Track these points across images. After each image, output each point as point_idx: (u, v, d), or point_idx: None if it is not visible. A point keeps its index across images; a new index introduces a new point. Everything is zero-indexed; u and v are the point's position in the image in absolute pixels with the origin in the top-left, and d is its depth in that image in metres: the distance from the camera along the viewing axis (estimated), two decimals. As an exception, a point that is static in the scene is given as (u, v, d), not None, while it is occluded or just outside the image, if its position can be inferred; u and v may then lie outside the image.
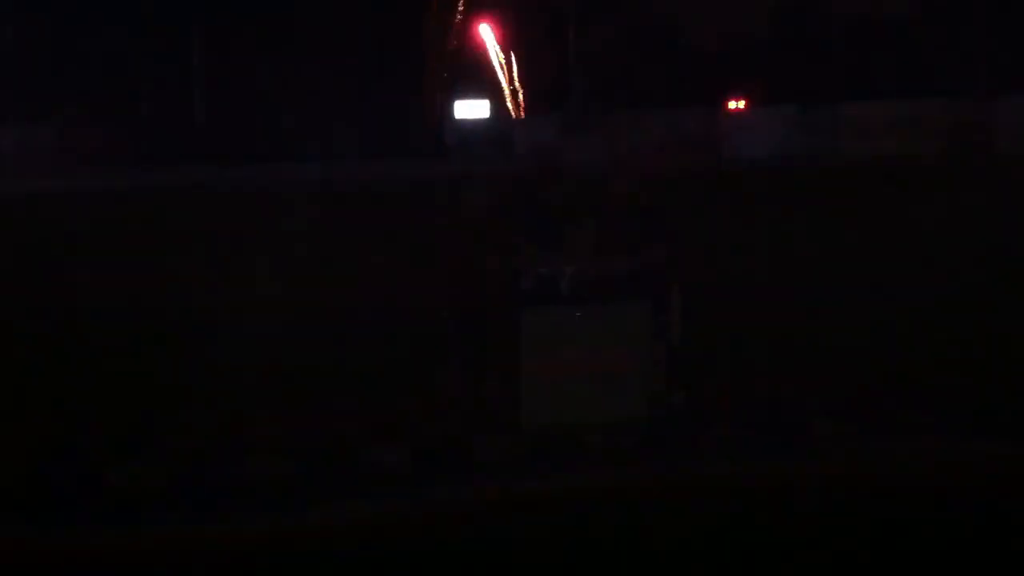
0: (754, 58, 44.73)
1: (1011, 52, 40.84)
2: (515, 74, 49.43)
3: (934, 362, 11.10)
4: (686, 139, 38.91)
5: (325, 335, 12.35)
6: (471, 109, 49.50)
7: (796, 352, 11.56)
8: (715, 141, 39.37)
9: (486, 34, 49.28)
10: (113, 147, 41.87)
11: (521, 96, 49.37)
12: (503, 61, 49.92)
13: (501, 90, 49.65)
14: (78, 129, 42.39)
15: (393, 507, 8.51)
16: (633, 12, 45.89)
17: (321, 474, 9.00)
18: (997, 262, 15.75)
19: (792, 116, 40.16)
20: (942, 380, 10.57)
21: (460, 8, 47.30)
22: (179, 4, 45.03)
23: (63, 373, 11.78)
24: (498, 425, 9.66)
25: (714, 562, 7.21)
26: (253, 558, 7.88)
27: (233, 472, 8.96)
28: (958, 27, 43.29)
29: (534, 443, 9.40)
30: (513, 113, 51.59)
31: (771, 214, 21.52)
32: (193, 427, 9.95)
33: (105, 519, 8.43)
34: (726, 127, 40.84)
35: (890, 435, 9.49)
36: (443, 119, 46.86)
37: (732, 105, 44.46)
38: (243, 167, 35.96)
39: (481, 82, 48.52)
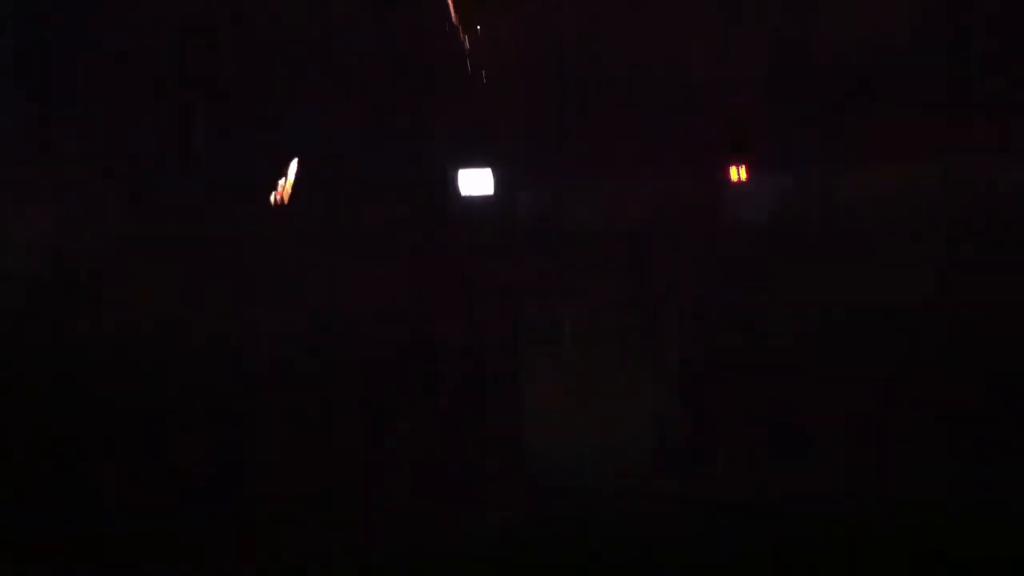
0: (752, 121, 44.97)
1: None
2: None
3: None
4: (686, 203, 39.16)
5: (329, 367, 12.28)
6: (473, 180, 49.71)
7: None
8: (715, 205, 39.64)
9: None
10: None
11: None
12: None
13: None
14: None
15: (398, 537, 8.54)
16: (628, 78, 46.29)
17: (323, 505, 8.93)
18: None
19: (791, 182, 40.38)
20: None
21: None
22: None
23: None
24: (504, 452, 9.67)
25: None
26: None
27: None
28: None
29: (540, 469, 9.42)
30: None
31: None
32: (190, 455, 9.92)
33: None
34: (725, 193, 41.07)
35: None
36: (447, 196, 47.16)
37: (733, 172, 44.75)
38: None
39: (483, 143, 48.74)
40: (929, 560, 6.92)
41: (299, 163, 47.97)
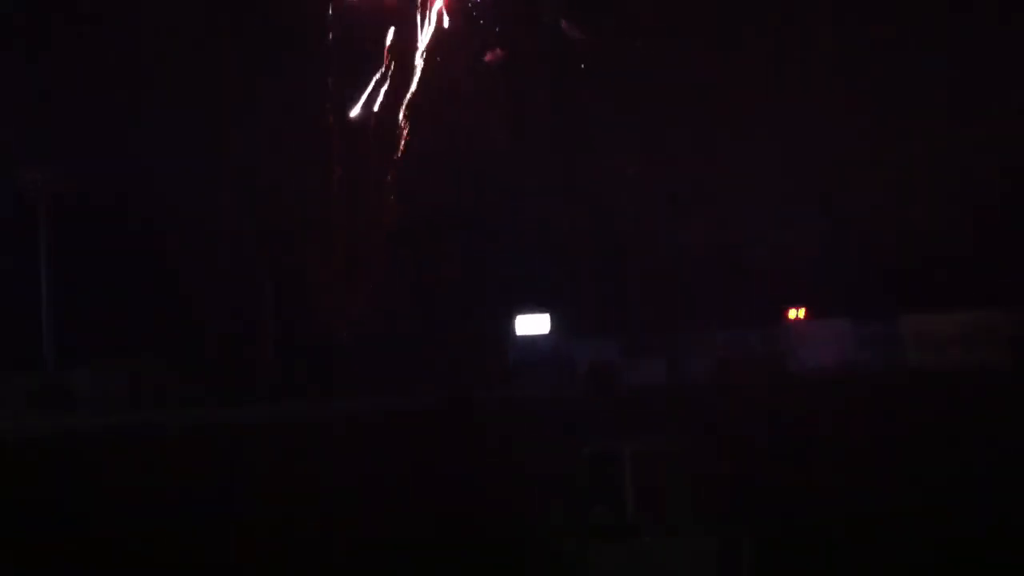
0: (808, 273, 44.95)
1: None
2: None
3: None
4: (751, 355, 38.88)
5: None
6: (531, 324, 49.72)
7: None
8: (781, 355, 39.32)
9: None
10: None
11: None
12: None
13: None
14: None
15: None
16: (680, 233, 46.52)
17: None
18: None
19: (851, 328, 40.14)
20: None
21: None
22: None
23: None
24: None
25: None
26: None
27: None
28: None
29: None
30: None
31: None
32: None
33: None
34: (789, 342, 40.82)
35: None
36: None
37: (792, 315, 44.53)
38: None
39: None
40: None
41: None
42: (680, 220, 46.10)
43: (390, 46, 50.45)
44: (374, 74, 50.14)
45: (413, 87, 50.35)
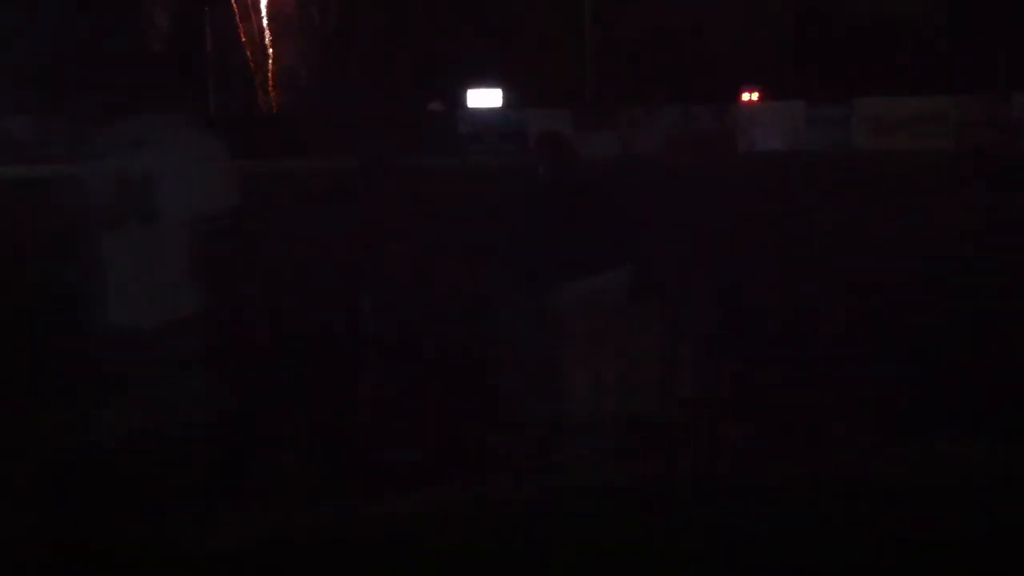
0: (766, 56, 44.80)
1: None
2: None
3: (947, 362, 11.05)
4: (703, 134, 38.93)
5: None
6: (483, 97, 49.49)
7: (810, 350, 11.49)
8: (730, 135, 39.40)
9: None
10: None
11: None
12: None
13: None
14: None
15: (401, 504, 8.36)
16: (648, 10, 46.04)
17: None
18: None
19: (804, 111, 40.19)
20: (955, 381, 10.53)
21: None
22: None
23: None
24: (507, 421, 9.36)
25: (721, 562, 7.21)
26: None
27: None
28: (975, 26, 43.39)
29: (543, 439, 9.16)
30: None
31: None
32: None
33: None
34: (740, 122, 40.86)
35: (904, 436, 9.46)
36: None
37: (746, 97, 44.45)
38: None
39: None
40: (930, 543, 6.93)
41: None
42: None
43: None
44: None
45: None
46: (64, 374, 9.61)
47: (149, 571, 7.09)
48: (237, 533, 7.38)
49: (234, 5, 52.72)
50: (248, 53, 53.40)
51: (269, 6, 53.62)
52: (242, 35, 53.36)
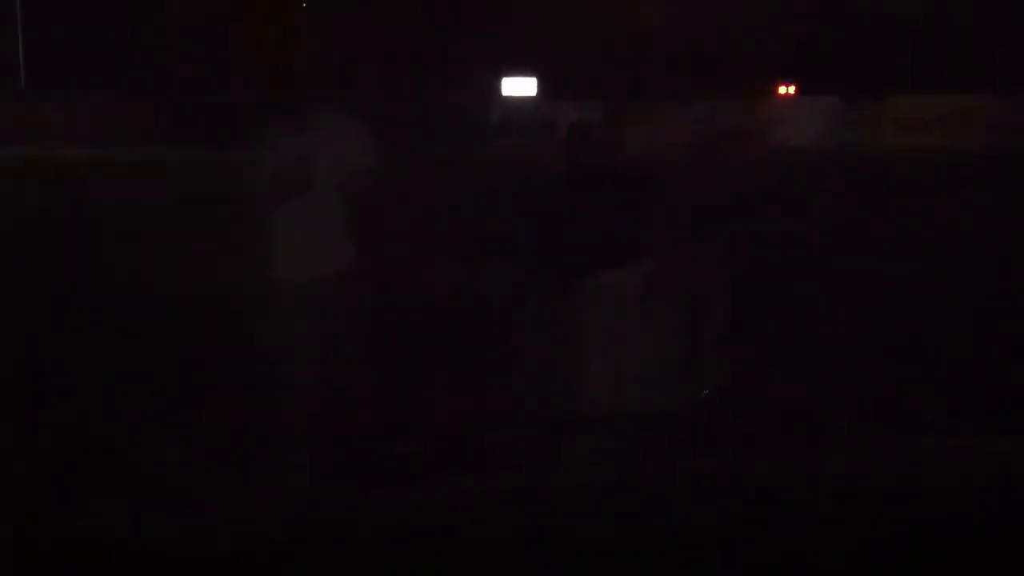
0: (795, 53, 44.75)
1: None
2: None
3: (959, 359, 11.09)
4: (732, 129, 38.94)
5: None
6: (518, 86, 49.59)
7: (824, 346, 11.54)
8: (762, 130, 39.39)
9: None
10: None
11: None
12: None
13: None
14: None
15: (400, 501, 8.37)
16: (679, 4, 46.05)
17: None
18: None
19: (835, 108, 40.23)
20: (968, 377, 10.57)
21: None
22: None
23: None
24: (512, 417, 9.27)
25: (726, 560, 7.27)
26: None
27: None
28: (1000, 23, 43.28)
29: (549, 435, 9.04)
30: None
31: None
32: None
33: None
34: (771, 118, 40.86)
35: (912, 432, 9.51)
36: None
37: (783, 91, 44.48)
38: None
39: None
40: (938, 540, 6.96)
41: None
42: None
43: None
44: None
45: None
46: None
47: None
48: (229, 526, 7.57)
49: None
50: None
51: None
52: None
